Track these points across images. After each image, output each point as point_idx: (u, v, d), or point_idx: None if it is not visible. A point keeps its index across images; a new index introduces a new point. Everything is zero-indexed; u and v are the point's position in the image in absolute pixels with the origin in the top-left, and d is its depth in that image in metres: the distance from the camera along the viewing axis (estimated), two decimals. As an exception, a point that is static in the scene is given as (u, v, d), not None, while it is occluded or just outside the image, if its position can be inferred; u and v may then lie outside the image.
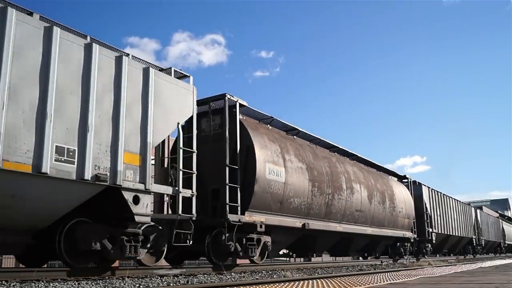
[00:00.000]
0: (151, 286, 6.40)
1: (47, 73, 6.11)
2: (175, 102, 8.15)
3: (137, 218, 7.11)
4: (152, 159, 7.69)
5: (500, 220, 44.13)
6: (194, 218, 8.14)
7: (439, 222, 23.04)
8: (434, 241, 21.81)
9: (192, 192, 8.16)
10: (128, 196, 7.01)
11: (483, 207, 41.47)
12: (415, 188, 20.96)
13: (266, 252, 10.80)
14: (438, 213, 23.17)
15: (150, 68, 7.71)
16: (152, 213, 7.66)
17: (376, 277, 7.93)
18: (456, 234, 26.10)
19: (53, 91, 6.13)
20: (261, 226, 9.91)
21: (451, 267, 12.07)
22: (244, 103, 10.21)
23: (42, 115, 5.98)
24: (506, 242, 44.39)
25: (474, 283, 5.99)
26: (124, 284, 6.38)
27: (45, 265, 8.03)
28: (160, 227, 7.73)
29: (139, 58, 7.88)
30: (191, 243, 8.25)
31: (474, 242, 30.98)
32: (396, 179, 19.66)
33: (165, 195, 8.80)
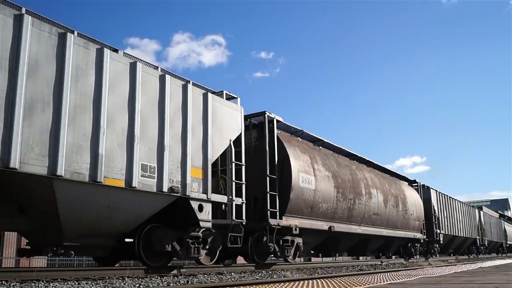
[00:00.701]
0: (151, 286, 6.54)
1: (133, 102, 7.28)
2: (228, 121, 9.31)
3: (201, 224, 8.29)
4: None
5: (502, 221, 45.29)
6: (244, 223, 9.29)
7: (446, 223, 24.22)
8: (441, 242, 23.00)
9: (243, 200, 9.33)
10: (195, 204, 8.20)
11: (483, 207, 42.48)
12: (424, 192, 22.17)
13: (298, 252, 11.97)
14: (445, 215, 24.36)
15: (208, 93, 8.87)
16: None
17: (376, 277, 8.00)
18: (462, 235, 27.30)
19: (138, 117, 7.29)
20: (295, 229, 11.10)
21: (451, 267, 12.20)
22: (280, 119, 11.37)
23: (131, 138, 7.15)
24: (508, 242, 45.55)
25: (474, 283, 6.00)
26: (124, 284, 6.51)
27: (45, 265, 8.50)
28: (214, 231, 8.88)
29: (197, 84, 9.02)
30: (240, 244, 9.41)
31: (478, 242, 32.16)
32: (407, 183, 20.85)
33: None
